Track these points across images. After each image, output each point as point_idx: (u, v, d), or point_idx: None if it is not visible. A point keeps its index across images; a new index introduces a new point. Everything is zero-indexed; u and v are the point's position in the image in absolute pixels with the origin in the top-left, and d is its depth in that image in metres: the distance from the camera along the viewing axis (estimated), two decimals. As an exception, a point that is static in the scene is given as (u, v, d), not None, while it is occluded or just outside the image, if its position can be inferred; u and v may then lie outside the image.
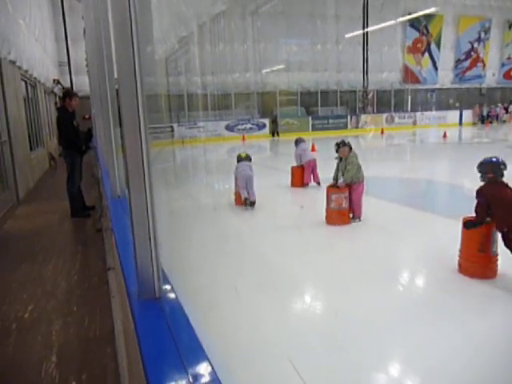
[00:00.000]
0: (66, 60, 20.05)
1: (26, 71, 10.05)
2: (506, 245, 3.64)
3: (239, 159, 6.99)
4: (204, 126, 21.26)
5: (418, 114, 26.10)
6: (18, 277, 4.30)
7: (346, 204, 5.61)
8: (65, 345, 2.95)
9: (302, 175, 8.23)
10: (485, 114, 26.85)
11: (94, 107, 6.03)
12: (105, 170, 3.31)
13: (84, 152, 6.79)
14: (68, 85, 18.84)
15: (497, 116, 27.06)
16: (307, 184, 8.15)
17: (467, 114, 26.79)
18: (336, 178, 5.83)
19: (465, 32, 28.05)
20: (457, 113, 26.83)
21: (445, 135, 18.35)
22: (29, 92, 11.15)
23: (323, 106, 25.38)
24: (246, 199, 6.58)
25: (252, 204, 6.57)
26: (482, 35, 28.45)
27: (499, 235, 3.70)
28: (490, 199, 3.63)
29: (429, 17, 25.71)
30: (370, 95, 26.03)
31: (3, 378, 2.64)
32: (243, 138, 20.88)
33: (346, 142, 5.91)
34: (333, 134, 21.93)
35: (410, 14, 24.37)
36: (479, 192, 3.73)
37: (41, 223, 6.49)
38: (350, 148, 5.85)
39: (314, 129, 23.31)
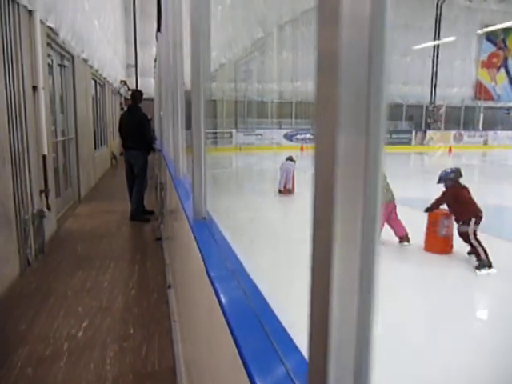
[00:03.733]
0: (133, 62, 20.60)
1: (97, 70, 10.15)
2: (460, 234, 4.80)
3: (286, 159, 9.07)
4: (262, 133, 20.94)
5: (491, 132, 24.35)
6: (74, 284, 4.05)
7: None
8: (119, 378, 2.57)
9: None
10: None
11: (162, 109, 5.82)
12: (177, 180, 2.93)
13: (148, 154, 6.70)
14: (133, 86, 19.28)
15: None
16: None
17: (544, 136, 24.70)
18: None
19: (548, 48, 26.02)
20: (532, 134, 24.81)
21: (522, 158, 16.83)
22: (97, 91, 11.30)
23: (386, 120, 24.29)
24: (280, 190, 8.74)
25: (290, 191, 8.71)
26: None
27: (454, 224, 5.03)
28: (454, 198, 4.93)
29: (508, 30, 24.05)
30: (441, 110, 24.58)
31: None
32: (301, 149, 20.32)
33: None
34: (396, 149, 20.84)
35: (486, 26, 22.96)
36: (447, 192, 5.03)
37: (100, 224, 6.33)
38: None
39: (376, 143, 22.28)
